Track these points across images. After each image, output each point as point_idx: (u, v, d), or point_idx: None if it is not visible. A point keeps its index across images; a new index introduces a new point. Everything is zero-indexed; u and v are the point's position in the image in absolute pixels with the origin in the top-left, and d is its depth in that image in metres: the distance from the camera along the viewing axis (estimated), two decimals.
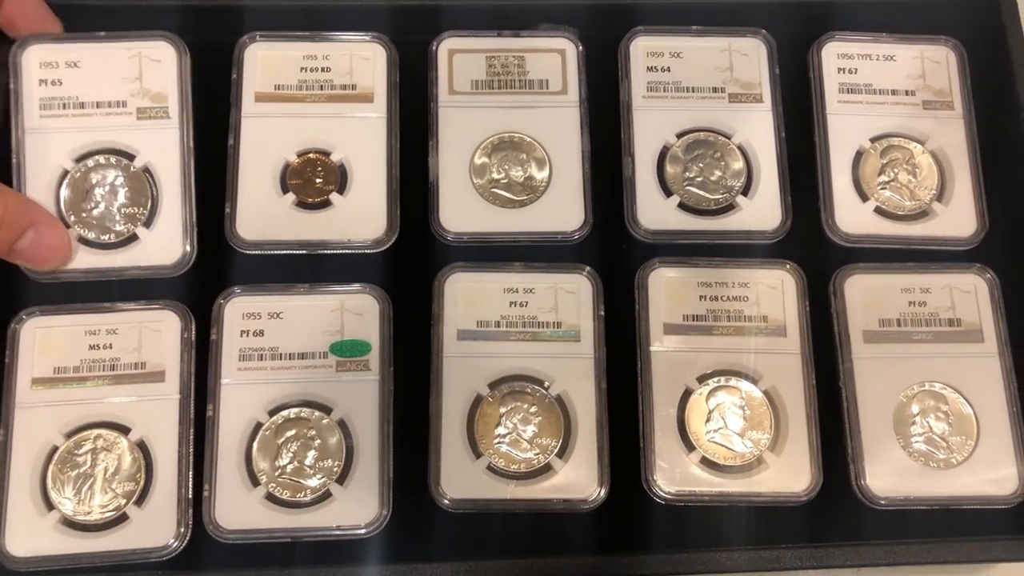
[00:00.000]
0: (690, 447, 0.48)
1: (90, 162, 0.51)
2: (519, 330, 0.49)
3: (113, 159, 0.51)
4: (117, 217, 0.50)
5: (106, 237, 0.50)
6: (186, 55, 0.52)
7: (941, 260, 0.51)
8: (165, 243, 0.50)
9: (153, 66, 0.52)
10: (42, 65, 0.51)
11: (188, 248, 0.50)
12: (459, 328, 0.49)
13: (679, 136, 0.53)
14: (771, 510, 0.48)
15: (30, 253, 0.47)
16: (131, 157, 0.51)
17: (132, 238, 0.50)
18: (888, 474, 0.48)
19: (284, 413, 0.48)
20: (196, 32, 0.53)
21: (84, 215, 0.50)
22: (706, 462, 0.48)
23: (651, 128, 0.53)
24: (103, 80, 0.51)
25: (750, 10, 0.55)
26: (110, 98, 0.51)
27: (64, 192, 0.50)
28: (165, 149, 0.51)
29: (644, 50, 0.54)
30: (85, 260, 0.50)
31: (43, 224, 0.47)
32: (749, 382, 0.49)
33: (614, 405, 0.48)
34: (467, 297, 0.50)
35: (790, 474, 0.48)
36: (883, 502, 0.47)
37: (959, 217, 0.52)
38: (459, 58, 0.54)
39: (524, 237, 0.51)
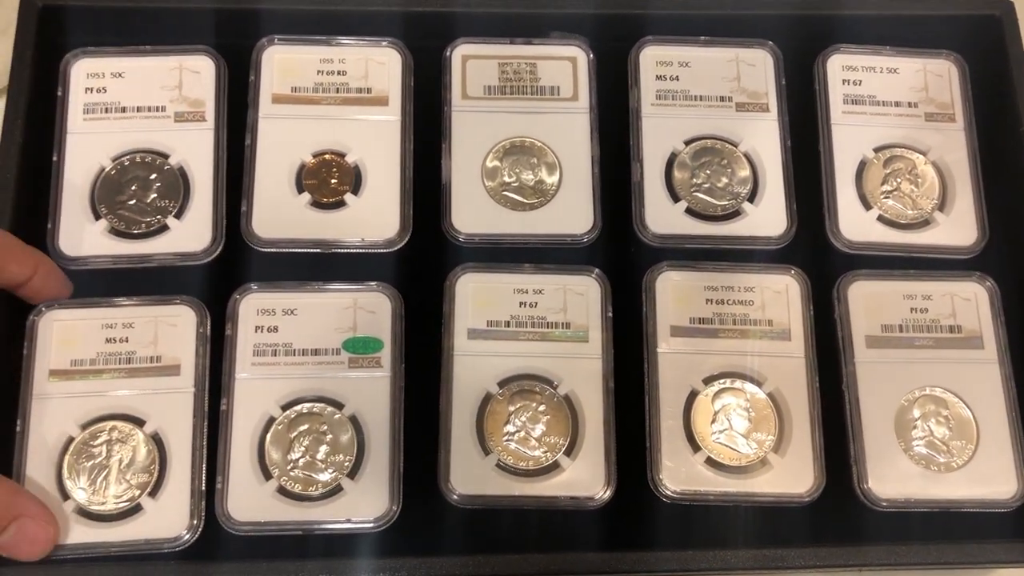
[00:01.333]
0: (695, 447, 0.49)
1: (126, 160, 0.52)
2: (528, 330, 0.50)
3: (149, 157, 0.52)
4: (148, 210, 0.51)
5: (136, 228, 0.51)
6: (224, 66, 0.54)
7: (942, 268, 0.53)
8: (195, 231, 0.51)
9: (193, 77, 0.54)
10: (89, 75, 0.53)
11: (217, 235, 0.51)
12: (469, 327, 0.50)
13: (687, 143, 0.54)
14: (774, 510, 0.49)
15: (12, 548, 0.45)
16: (166, 156, 0.52)
17: (162, 228, 0.51)
18: (890, 477, 0.49)
19: (297, 408, 0.49)
20: (218, 35, 0.54)
21: (117, 207, 0.51)
22: (711, 462, 0.49)
23: (659, 135, 0.54)
24: (145, 89, 0.53)
25: (757, 22, 0.56)
26: (150, 103, 0.53)
27: (98, 187, 0.51)
28: (199, 149, 0.52)
29: (653, 59, 0.55)
30: (114, 248, 0.51)
31: (30, 518, 0.45)
32: (754, 384, 0.50)
33: (621, 405, 0.49)
34: (477, 297, 0.50)
35: (793, 475, 0.49)
36: (884, 504, 0.48)
37: (960, 226, 0.53)
38: (472, 64, 0.55)
39: (534, 239, 0.52)
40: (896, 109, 0.55)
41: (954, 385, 0.50)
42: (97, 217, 0.51)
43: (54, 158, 0.52)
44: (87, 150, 0.52)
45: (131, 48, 0.54)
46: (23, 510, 0.45)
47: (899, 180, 0.54)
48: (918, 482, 0.49)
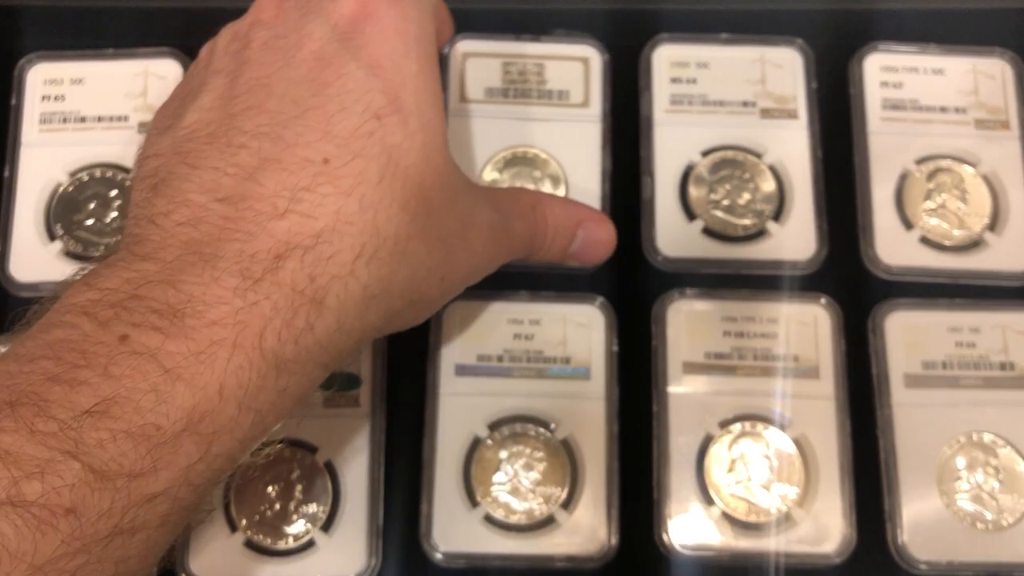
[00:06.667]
0: (710, 500, 0.44)
1: (84, 176, 0.48)
2: (523, 366, 0.45)
3: (109, 172, 0.48)
4: (107, 231, 0.47)
5: (94, 251, 0.47)
6: None
7: (993, 296, 0.47)
8: None
9: (159, 83, 0.49)
10: (46, 82, 0.49)
11: None
12: (457, 363, 0.45)
13: (704, 154, 0.48)
14: (798, 572, 0.43)
15: (581, 254, 0.45)
16: (127, 171, 0.48)
17: None
18: (930, 535, 0.43)
19: (265, 451, 0.44)
20: (185, 35, 0.49)
21: (74, 228, 0.47)
22: (727, 517, 0.43)
23: (674, 145, 0.49)
24: (106, 96, 0.49)
25: (785, 18, 0.50)
26: (112, 112, 0.48)
27: (53, 205, 0.47)
28: None
29: (668, 60, 0.50)
30: (70, 272, 0.46)
31: (590, 221, 0.44)
32: (777, 429, 0.44)
33: (626, 451, 0.44)
34: (467, 328, 0.46)
35: (820, 533, 0.43)
36: (923, 566, 0.43)
37: (1014, 249, 0.47)
38: (473, 63, 0.49)
39: (532, 262, 0.47)
40: (942, 115, 0.49)
41: (1005, 431, 0.44)
42: (52, 238, 0.47)
43: (5, 173, 0.47)
44: (42, 164, 0.48)
45: (93, 52, 0.49)
46: (583, 215, 0.44)
47: (944, 196, 0.48)
48: (962, 541, 0.43)
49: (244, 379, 0.30)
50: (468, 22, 0.50)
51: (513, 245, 0.41)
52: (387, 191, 0.33)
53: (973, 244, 0.47)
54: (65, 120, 0.48)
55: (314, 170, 0.32)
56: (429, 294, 0.37)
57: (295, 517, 0.43)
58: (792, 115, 0.49)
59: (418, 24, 0.36)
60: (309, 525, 0.43)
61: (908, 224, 0.48)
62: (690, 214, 0.48)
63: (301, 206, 0.31)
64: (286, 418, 0.33)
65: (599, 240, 0.45)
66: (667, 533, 0.43)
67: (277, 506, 0.43)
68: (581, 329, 0.46)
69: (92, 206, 0.47)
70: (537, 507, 0.43)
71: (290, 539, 0.43)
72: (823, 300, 0.46)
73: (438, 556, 0.43)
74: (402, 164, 0.34)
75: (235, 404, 0.30)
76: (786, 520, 0.43)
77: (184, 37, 0.49)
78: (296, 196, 0.31)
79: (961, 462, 0.44)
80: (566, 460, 0.44)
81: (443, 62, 0.49)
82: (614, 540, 0.43)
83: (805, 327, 0.46)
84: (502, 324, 0.46)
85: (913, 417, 0.45)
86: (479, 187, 0.43)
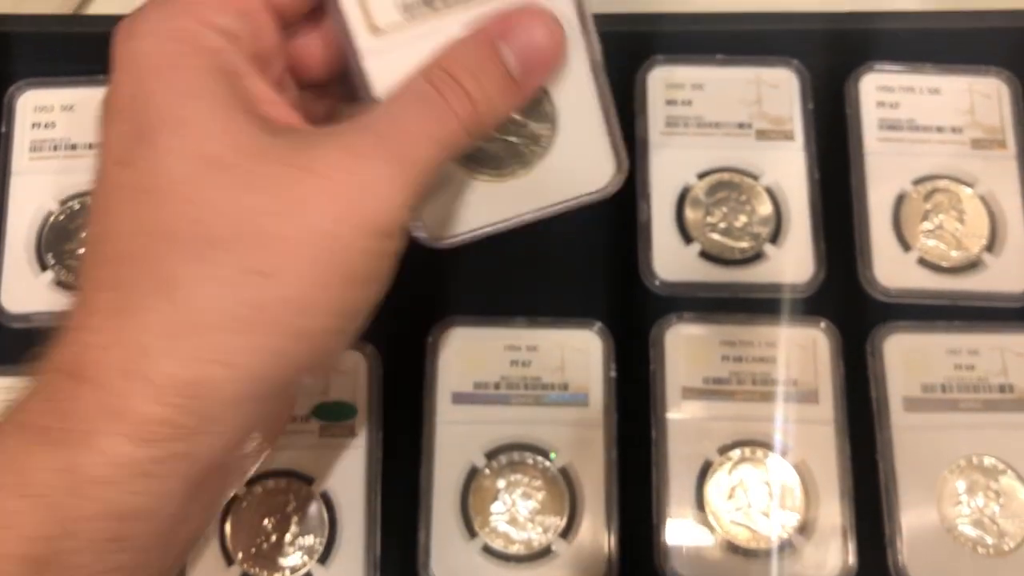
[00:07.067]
0: (710, 527, 0.43)
1: (75, 204, 0.47)
2: (521, 393, 0.45)
3: None
4: None
5: None
6: None
7: (991, 318, 0.46)
8: None
9: None
10: (36, 109, 0.49)
11: None
12: (453, 390, 0.45)
13: (700, 177, 0.48)
14: None
15: (528, 77, 0.32)
16: None
17: None
18: (930, 559, 0.43)
19: (261, 483, 0.44)
20: None
21: (65, 257, 0.46)
22: (728, 544, 0.43)
23: (669, 168, 0.48)
24: (96, 123, 0.48)
25: (781, 38, 0.50)
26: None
27: (44, 234, 0.47)
28: None
29: (663, 81, 0.49)
30: (61, 302, 0.46)
31: (511, 28, 0.31)
32: (776, 455, 0.44)
33: (625, 479, 0.44)
34: (463, 355, 0.45)
35: (821, 559, 0.43)
36: None
37: (1012, 269, 0.47)
38: None
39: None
40: (938, 135, 0.49)
41: (1006, 454, 0.44)
42: (43, 268, 0.46)
43: None
44: (33, 193, 0.47)
45: (83, 78, 0.49)
46: (494, 28, 0.31)
47: (942, 216, 0.48)
48: (963, 566, 0.43)
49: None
50: None
51: (427, 168, 0.30)
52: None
53: (971, 265, 0.47)
54: (56, 148, 0.48)
55: None
56: (334, 350, 0.32)
57: (291, 549, 0.43)
58: (788, 136, 0.49)
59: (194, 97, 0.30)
60: (306, 557, 0.43)
61: (906, 245, 0.47)
62: (687, 237, 0.47)
63: None
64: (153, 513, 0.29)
65: (536, 45, 0.32)
66: (667, 561, 0.43)
67: (273, 538, 0.43)
68: (579, 355, 0.45)
69: (84, 235, 0.47)
70: (536, 537, 0.43)
71: (287, 572, 0.43)
72: (822, 324, 0.46)
73: None
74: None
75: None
76: (787, 547, 0.43)
77: None
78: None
79: (961, 486, 0.44)
80: (564, 489, 0.43)
81: None
82: (614, 568, 0.43)
83: (804, 351, 0.46)
84: (499, 350, 0.45)
85: (913, 440, 0.44)
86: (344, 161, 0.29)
